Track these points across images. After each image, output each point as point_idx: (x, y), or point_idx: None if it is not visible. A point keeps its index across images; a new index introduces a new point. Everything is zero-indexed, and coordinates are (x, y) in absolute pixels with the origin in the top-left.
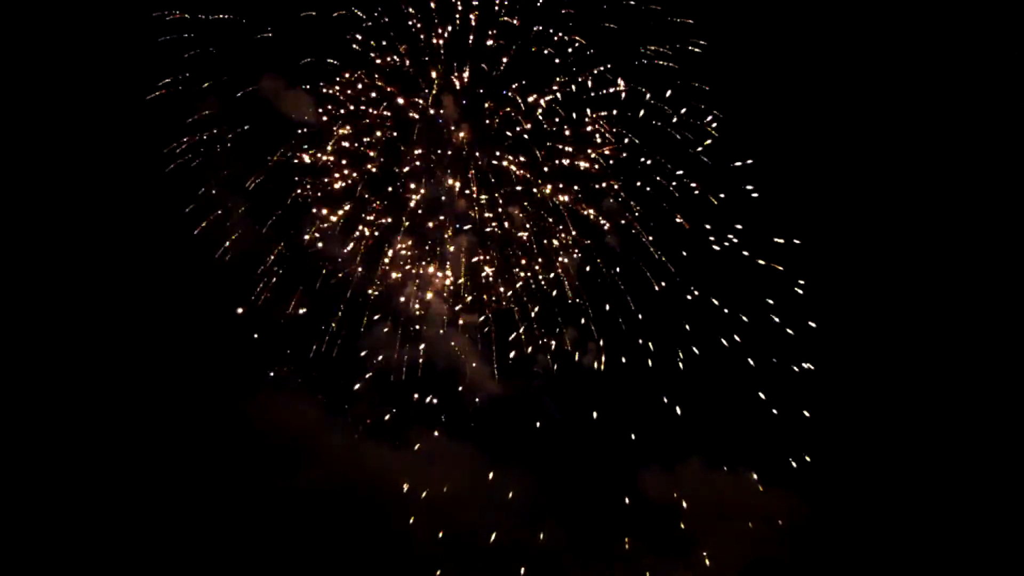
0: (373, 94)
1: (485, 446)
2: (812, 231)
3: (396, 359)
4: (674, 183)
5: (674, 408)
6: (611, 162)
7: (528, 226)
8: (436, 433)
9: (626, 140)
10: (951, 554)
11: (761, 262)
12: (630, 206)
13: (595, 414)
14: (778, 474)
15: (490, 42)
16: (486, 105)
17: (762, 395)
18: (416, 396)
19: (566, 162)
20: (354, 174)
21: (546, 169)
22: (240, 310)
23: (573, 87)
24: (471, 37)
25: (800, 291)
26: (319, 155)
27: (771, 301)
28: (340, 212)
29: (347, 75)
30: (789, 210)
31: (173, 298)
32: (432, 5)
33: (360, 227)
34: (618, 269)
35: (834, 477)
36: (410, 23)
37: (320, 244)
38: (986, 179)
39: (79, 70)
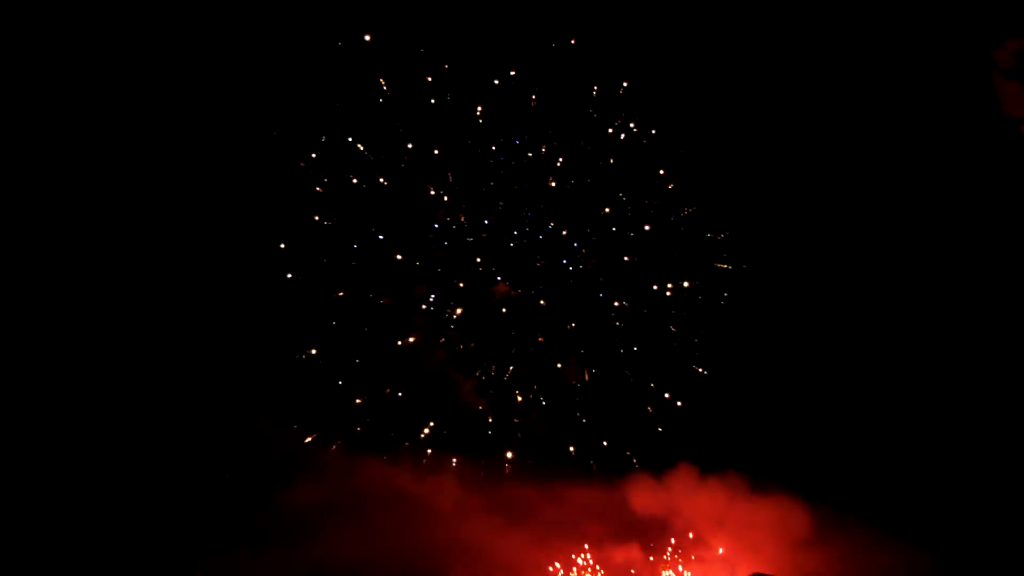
0: None
1: (475, 458)
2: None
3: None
4: None
5: (662, 413)
6: None
7: None
8: (425, 445)
9: None
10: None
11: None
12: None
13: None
14: (776, 479)
15: None
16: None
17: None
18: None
19: None
20: None
21: None
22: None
23: None
24: None
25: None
26: None
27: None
28: None
29: None
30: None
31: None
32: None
33: None
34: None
35: (837, 481)
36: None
37: None
38: None
39: None
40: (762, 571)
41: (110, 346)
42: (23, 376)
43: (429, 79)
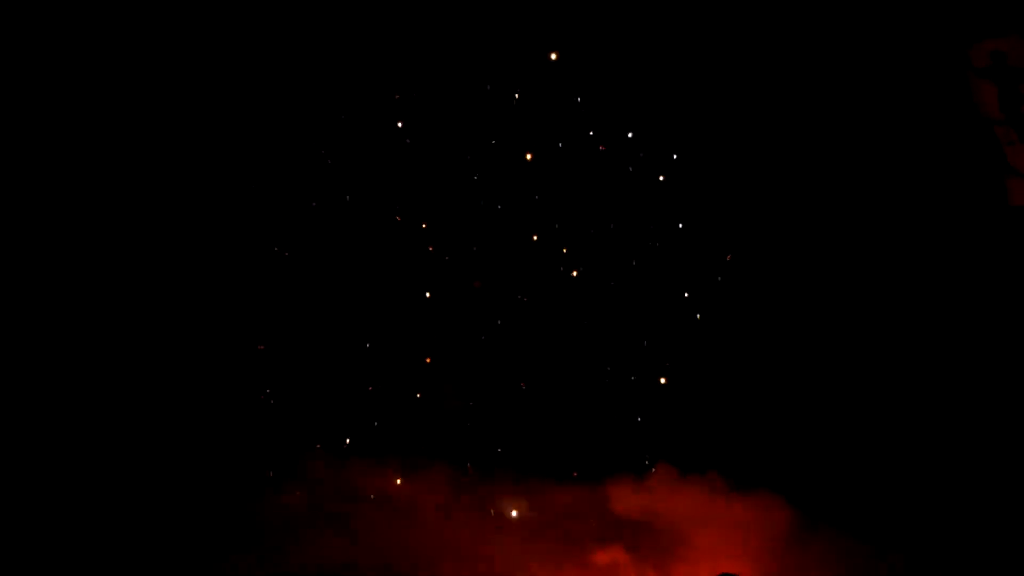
0: None
1: (459, 461)
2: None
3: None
4: None
5: (641, 413)
6: None
7: None
8: (409, 448)
9: None
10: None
11: None
12: None
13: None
14: (757, 480)
15: None
16: None
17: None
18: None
19: None
20: None
21: None
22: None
23: None
24: None
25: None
26: None
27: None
28: None
29: None
30: None
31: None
32: None
33: None
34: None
35: (818, 482)
36: None
37: None
38: None
39: None
40: (745, 571)
41: (90, 347)
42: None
43: (397, 96)
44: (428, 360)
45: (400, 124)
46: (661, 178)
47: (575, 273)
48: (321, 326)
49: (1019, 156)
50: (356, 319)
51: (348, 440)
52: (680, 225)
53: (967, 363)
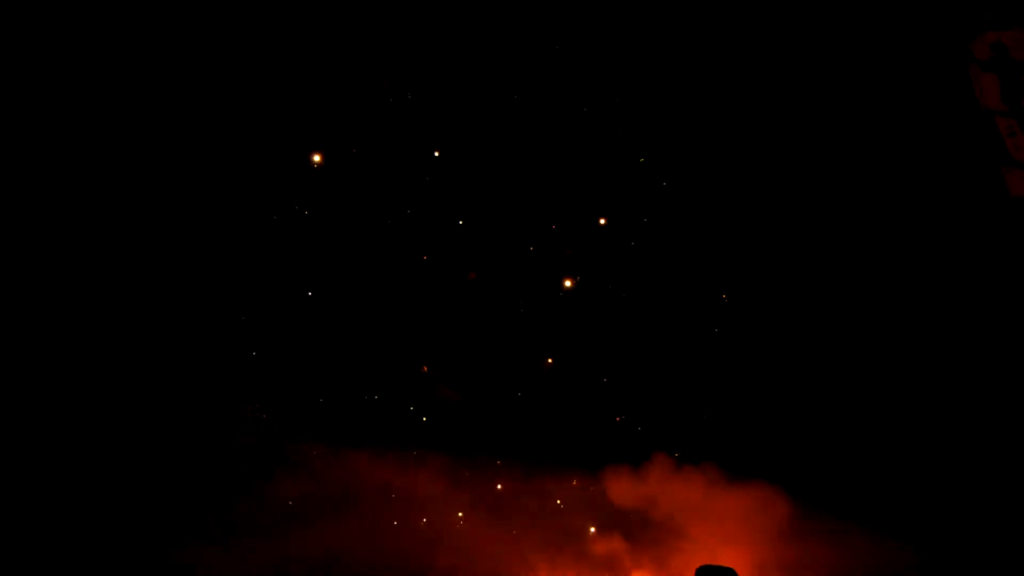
0: None
1: (454, 452)
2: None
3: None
4: None
5: (638, 406)
6: None
7: None
8: (408, 439)
9: None
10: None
11: None
12: None
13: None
14: (755, 472)
15: None
16: None
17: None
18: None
19: None
20: None
21: None
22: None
23: None
24: None
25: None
26: None
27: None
28: None
29: None
30: None
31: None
32: None
33: None
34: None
35: (818, 474)
36: None
37: None
38: None
39: None
40: (741, 560)
41: (84, 340)
42: None
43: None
44: (425, 368)
45: (395, 126)
46: (658, 177)
47: (569, 283)
48: (320, 322)
49: (1020, 147)
50: (355, 316)
51: (346, 432)
52: (675, 221)
53: (966, 354)
